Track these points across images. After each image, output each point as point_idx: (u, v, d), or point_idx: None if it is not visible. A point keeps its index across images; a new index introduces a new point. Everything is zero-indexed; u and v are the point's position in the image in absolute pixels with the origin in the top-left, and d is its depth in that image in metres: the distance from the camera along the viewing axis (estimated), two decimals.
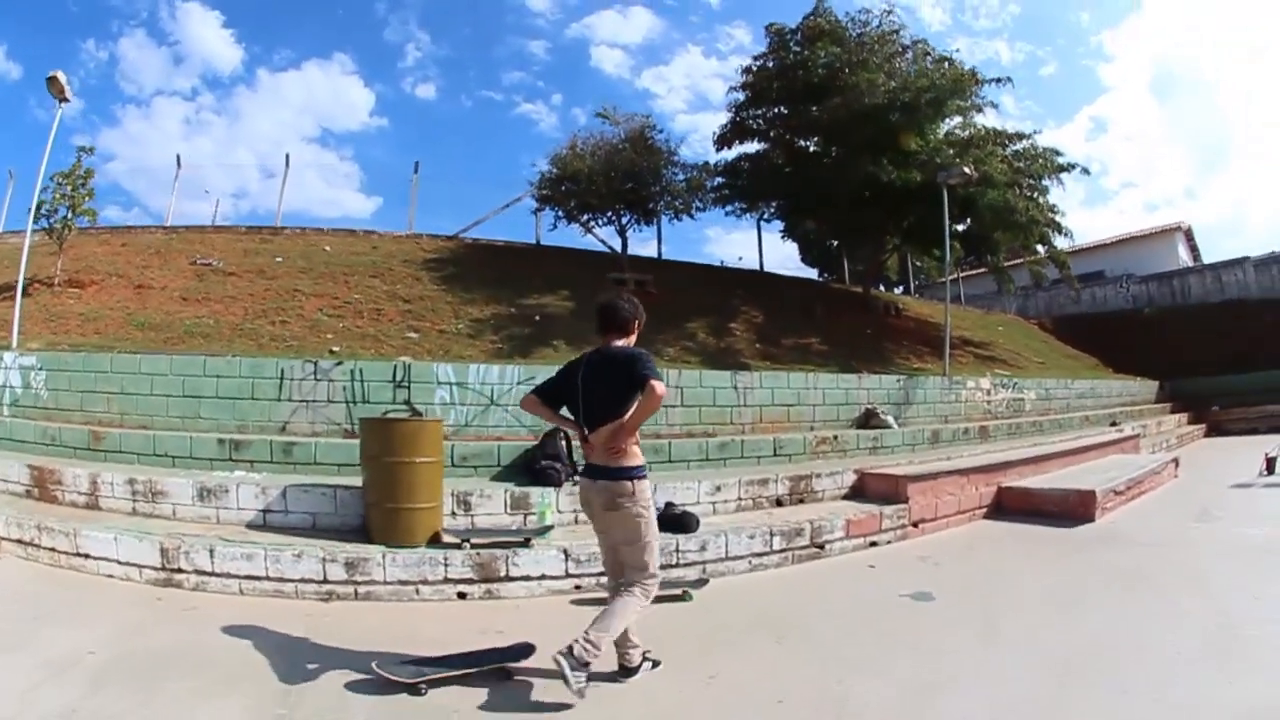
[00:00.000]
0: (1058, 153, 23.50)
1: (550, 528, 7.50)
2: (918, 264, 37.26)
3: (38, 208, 15.15)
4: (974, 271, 37.67)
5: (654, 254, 25.98)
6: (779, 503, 9.54)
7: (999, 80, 22.77)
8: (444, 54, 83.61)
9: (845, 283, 31.17)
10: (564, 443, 8.94)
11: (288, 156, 26.20)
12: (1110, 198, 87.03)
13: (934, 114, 21.63)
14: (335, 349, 13.22)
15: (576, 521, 7.84)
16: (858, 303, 25.22)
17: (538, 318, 16.85)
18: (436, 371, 10.85)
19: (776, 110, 23.89)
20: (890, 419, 13.85)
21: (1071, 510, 10.34)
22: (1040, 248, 25.07)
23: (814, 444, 11.85)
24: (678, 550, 7.43)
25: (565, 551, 6.89)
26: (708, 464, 10.42)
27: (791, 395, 13.44)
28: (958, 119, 22.87)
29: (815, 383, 13.95)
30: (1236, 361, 26.48)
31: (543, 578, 6.78)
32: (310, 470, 8.66)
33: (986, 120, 23.17)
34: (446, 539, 7.01)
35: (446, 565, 6.60)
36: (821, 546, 8.52)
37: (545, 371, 10.13)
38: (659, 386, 4.44)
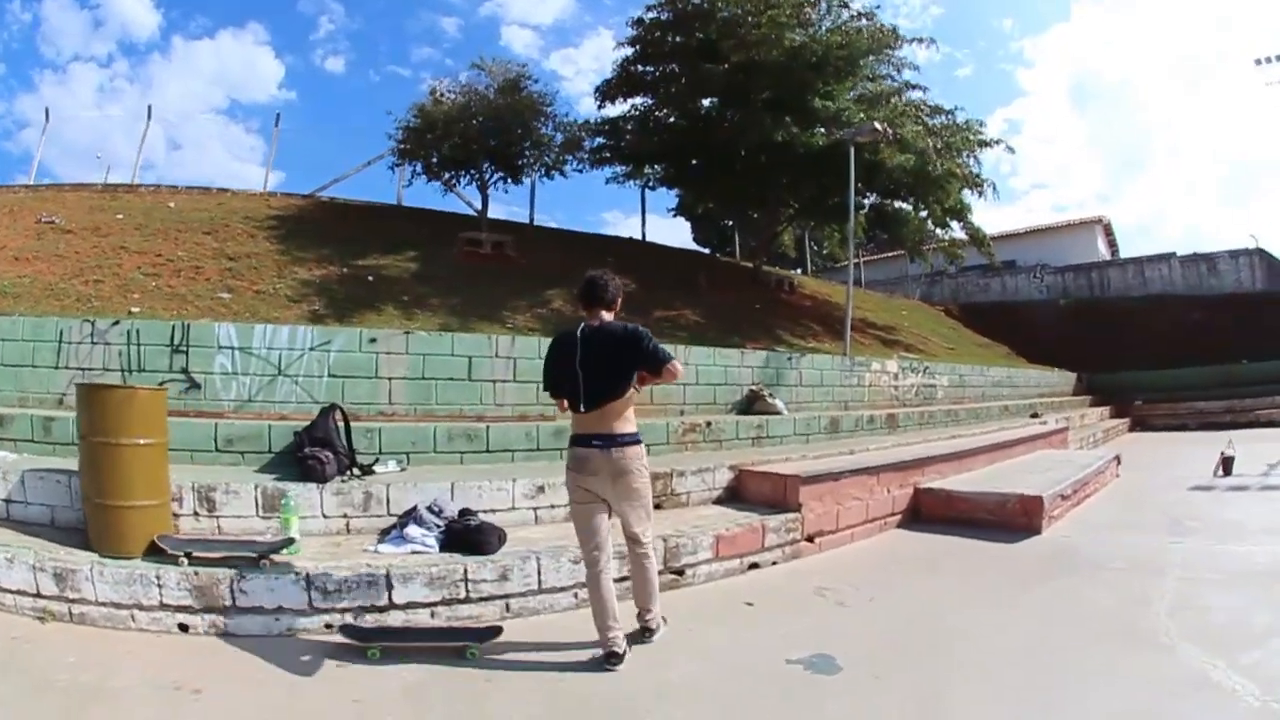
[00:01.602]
0: (982, 123, 21.90)
1: (292, 541, 5.59)
2: (816, 246, 35.58)
3: None
4: (878, 256, 37.41)
5: (524, 217, 24.22)
6: None
7: (921, 40, 21.26)
8: (356, 27, 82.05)
9: (736, 258, 29.85)
10: (339, 423, 7.36)
11: (149, 108, 24.98)
12: (1019, 197, 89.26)
13: (846, 72, 19.82)
14: (135, 310, 11.58)
15: (349, 530, 6.40)
16: (747, 277, 23.40)
17: (370, 278, 15.28)
18: (218, 334, 9.02)
19: (669, 68, 21.51)
20: (779, 403, 11.68)
21: (1010, 519, 8.51)
22: (955, 224, 23.06)
23: (680, 432, 9.73)
24: (466, 580, 5.48)
25: (307, 578, 5.11)
26: (539, 455, 8.40)
27: None
28: (870, 85, 20.92)
29: (687, 356, 11.55)
30: (1157, 357, 26.19)
31: (280, 611, 5.07)
32: (69, 452, 6.80)
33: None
34: (166, 549, 5.28)
35: (161, 587, 5.04)
36: (680, 573, 6.39)
37: (346, 335, 9.31)
38: (678, 368, 4.96)
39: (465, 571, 5.44)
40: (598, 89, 22.30)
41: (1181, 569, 6.88)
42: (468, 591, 5.44)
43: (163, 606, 5.02)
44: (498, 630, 5.06)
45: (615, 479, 4.81)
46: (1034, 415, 17.99)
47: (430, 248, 17.60)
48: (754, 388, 11.93)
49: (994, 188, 21.94)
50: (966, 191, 21.59)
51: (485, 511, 6.51)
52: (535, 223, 23.94)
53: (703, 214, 33.40)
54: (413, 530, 5.93)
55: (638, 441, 4.93)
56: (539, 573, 5.68)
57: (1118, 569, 6.99)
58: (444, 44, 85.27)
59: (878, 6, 21.18)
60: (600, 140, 22.27)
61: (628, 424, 4.91)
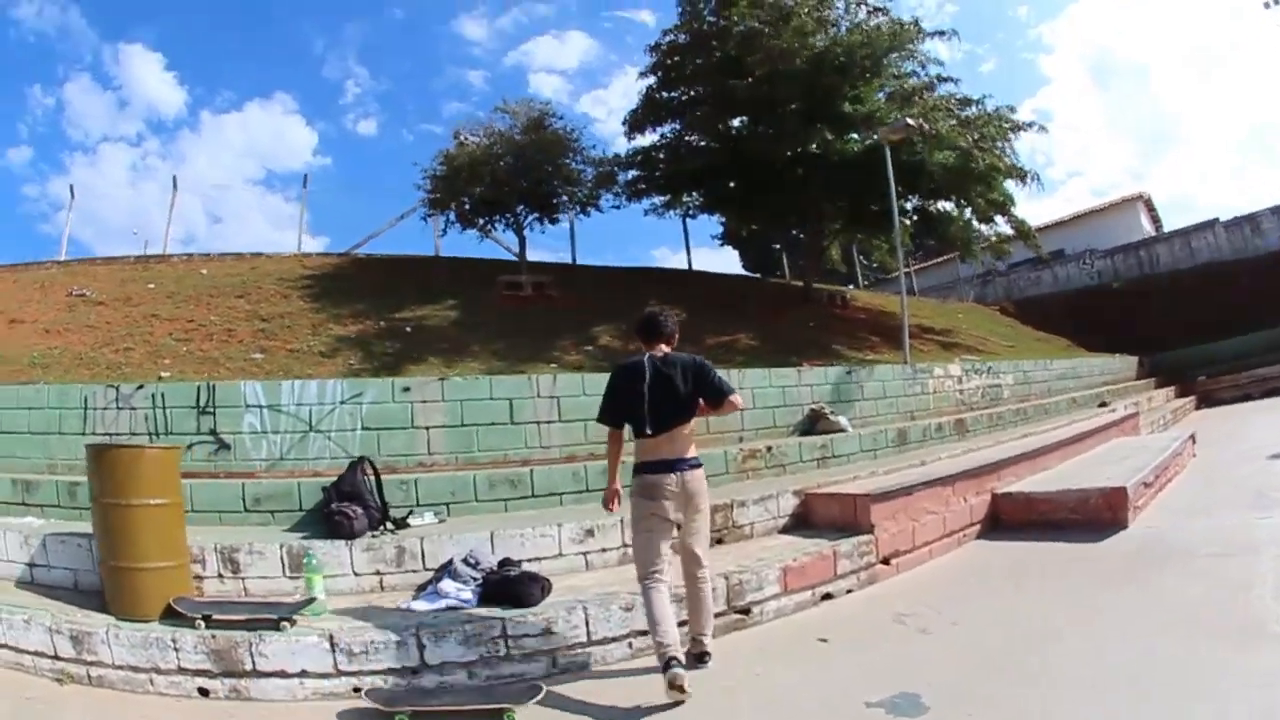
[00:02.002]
0: (1012, 109, 20.96)
1: (312, 601, 5.31)
2: (865, 260, 34.61)
3: None
4: (927, 263, 36.42)
5: (568, 259, 23.92)
6: None
7: (943, 33, 20.40)
8: (383, 89, 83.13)
9: (786, 279, 29.09)
10: (368, 476, 7.02)
11: (175, 179, 25.98)
12: (1058, 186, 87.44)
13: (872, 72, 19.16)
14: (165, 374, 11.42)
15: (382, 587, 6.02)
16: (798, 296, 22.67)
17: (409, 329, 14.99)
18: (245, 392, 8.76)
19: (694, 91, 21.05)
20: (843, 420, 10.99)
21: (1095, 516, 7.81)
22: (1000, 219, 22.07)
23: (739, 459, 9.10)
24: (505, 636, 5.00)
25: (331, 639, 4.76)
26: (588, 496, 7.61)
27: None
28: (898, 83, 20.29)
29: (742, 381, 10.50)
30: (1216, 328, 24.80)
31: (303, 675, 4.73)
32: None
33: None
34: (183, 612, 5.07)
35: (178, 650, 4.81)
36: (745, 611, 5.80)
37: (378, 386, 9.02)
38: (739, 400, 5.30)
39: (504, 627, 4.97)
40: (625, 120, 21.87)
41: (1276, 545, 6.30)
42: (508, 648, 4.95)
43: (180, 670, 4.79)
44: (536, 690, 4.53)
45: (687, 501, 4.89)
46: (1102, 404, 17.11)
47: (469, 295, 17.27)
48: (815, 407, 11.28)
49: (1038, 178, 21.01)
50: (1011, 183, 20.78)
51: (530, 560, 6.07)
52: (578, 263, 23.62)
53: (748, 238, 33.42)
54: (447, 585, 5.45)
55: (701, 465, 5.07)
56: (587, 623, 5.15)
57: (1211, 555, 6.38)
58: (472, 97, 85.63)
59: (891, 1, 20.59)
60: (634, 173, 21.81)
61: (692, 449, 5.03)
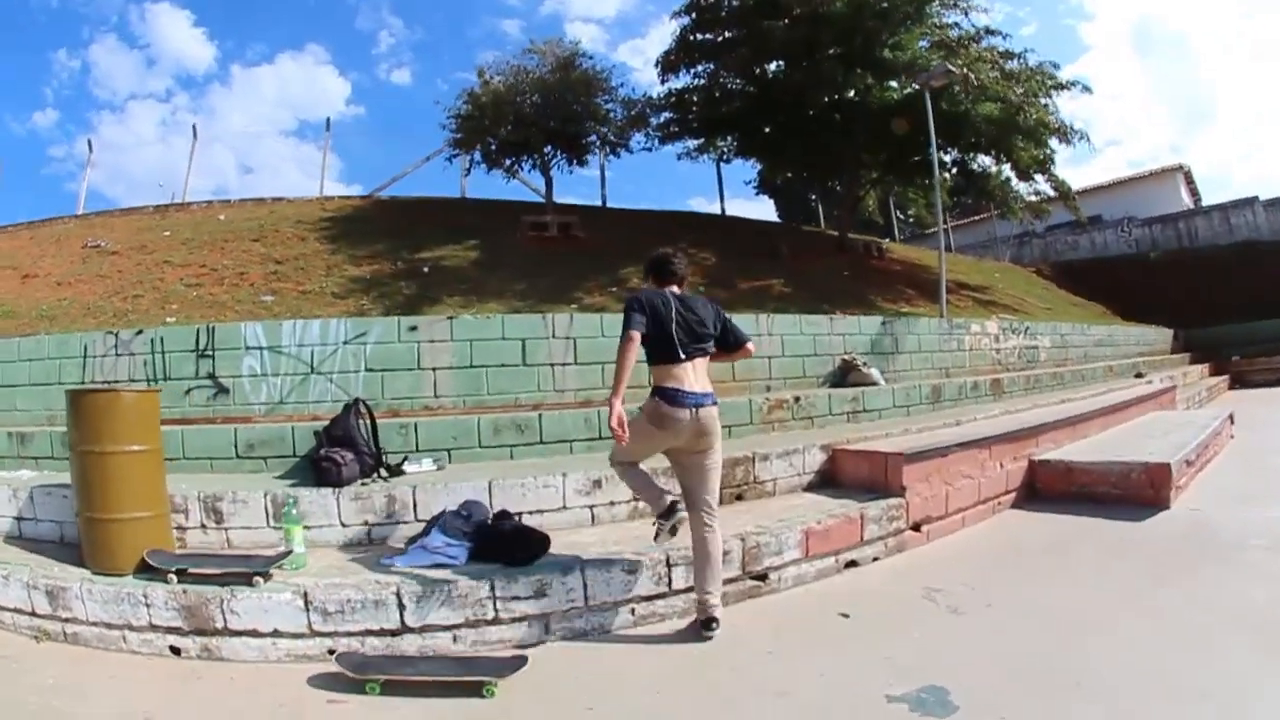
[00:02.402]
0: (1056, 65, 20.11)
1: (287, 554, 4.86)
2: (901, 215, 34.19)
3: None
4: (964, 220, 35.88)
5: (597, 204, 23.28)
6: None
7: None
8: (417, 38, 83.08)
9: (820, 227, 28.61)
10: (362, 420, 6.56)
11: (194, 128, 24.92)
12: (1095, 155, 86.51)
13: (914, 19, 18.51)
14: (171, 320, 11.30)
15: (370, 539, 5.55)
16: (832, 245, 22.10)
17: (426, 269, 14.72)
18: (244, 334, 8.48)
19: (729, 33, 20.32)
20: (875, 373, 10.40)
21: (1136, 492, 7.23)
22: (1040, 178, 21.20)
23: (765, 410, 8.53)
24: (494, 598, 4.54)
25: (305, 597, 4.39)
26: (600, 444, 7.10)
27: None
28: (940, 33, 19.46)
29: (771, 327, 10.41)
30: (1251, 309, 24.10)
31: (276, 634, 4.38)
32: None
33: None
34: (155, 565, 4.73)
35: (149, 606, 4.51)
36: (762, 577, 5.27)
37: (383, 325, 8.57)
38: (753, 348, 5.21)
39: (492, 587, 4.51)
40: (658, 62, 21.18)
41: None
42: (496, 611, 4.52)
43: (152, 627, 4.50)
44: (521, 661, 4.11)
45: (699, 437, 4.60)
46: (1138, 375, 16.44)
47: (492, 235, 16.91)
48: (847, 357, 10.68)
49: (1085, 137, 20.20)
50: (1055, 142, 19.97)
51: (531, 513, 5.68)
52: (608, 206, 23.10)
53: (783, 187, 33.01)
54: (435, 539, 4.99)
55: (718, 404, 4.74)
56: (585, 586, 4.67)
57: (1262, 548, 5.77)
58: (507, 46, 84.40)
59: None
60: (667, 115, 21.27)
61: (710, 387, 4.71)
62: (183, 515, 5.50)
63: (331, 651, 4.26)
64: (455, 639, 4.43)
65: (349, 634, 4.35)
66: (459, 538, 4.98)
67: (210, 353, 8.33)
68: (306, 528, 5.30)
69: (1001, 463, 7.56)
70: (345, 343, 8.35)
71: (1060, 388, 13.51)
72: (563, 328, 8.75)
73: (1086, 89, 20.47)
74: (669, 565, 4.83)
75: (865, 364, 10.48)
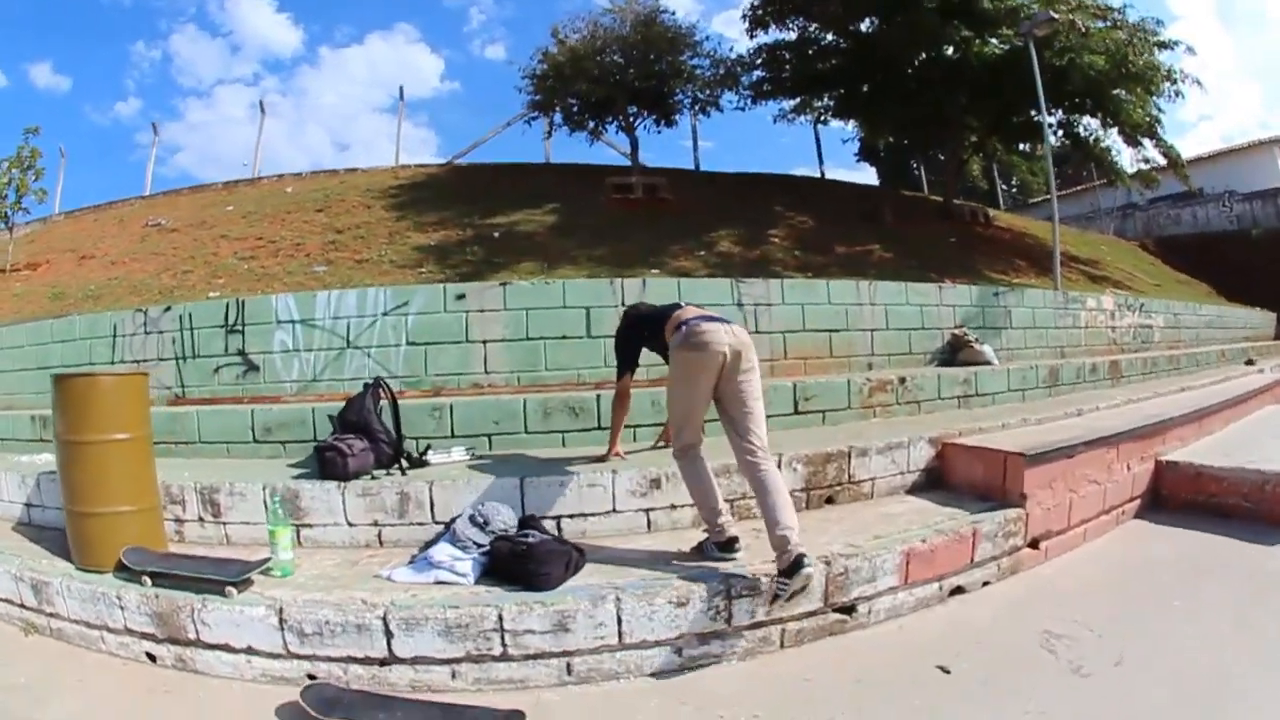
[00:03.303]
0: (1159, 22, 18.60)
1: (265, 562, 4.21)
2: (1005, 186, 33.08)
3: None
4: (1066, 191, 33.78)
5: (690, 167, 22.42)
6: None
7: None
8: (508, 14, 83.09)
9: (924, 194, 27.31)
10: (385, 401, 5.69)
11: (261, 103, 25.55)
12: (1187, 130, 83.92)
13: None
14: (214, 294, 10.99)
15: (380, 542, 4.78)
16: (936, 211, 20.86)
17: (497, 235, 14.04)
18: (275, 307, 7.90)
19: None
20: (987, 350, 9.18)
21: (1270, 508, 5.97)
22: (1147, 142, 19.84)
23: (866, 392, 7.30)
24: (502, 630, 3.68)
25: (280, 614, 3.76)
26: None
27: (834, 315, 8.88)
28: None
29: (873, 295, 9.20)
30: None
31: (250, 652, 3.79)
32: None
33: None
34: (130, 564, 4.25)
35: (123, 609, 4.07)
36: (848, 610, 4.20)
37: (428, 293, 7.76)
38: None
39: (500, 617, 3.65)
40: (744, 14, 20.10)
41: None
42: (504, 646, 3.65)
43: (128, 631, 4.07)
44: (517, 716, 3.31)
45: (738, 357, 4.12)
46: (1248, 362, 14.73)
47: (572, 199, 16.23)
48: (958, 332, 9.51)
49: (1198, 82, 18.86)
50: (1160, 103, 18.76)
51: (571, 516, 4.79)
52: (701, 169, 22.26)
53: (885, 154, 32.05)
54: (441, 551, 4.15)
55: None
56: (619, 621, 3.72)
57: None
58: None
59: None
60: (759, 74, 20.37)
61: None
62: (180, 507, 4.99)
63: (312, 677, 3.65)
64: (454, 675, 3.63)
65: (330, 659, 3.68)
66: (469, 550, 4.16)
67: (240, 328, 7.83)
68: (308, 526, 4.76)
69: (1129, 464, 6.34)
70: (384, 314, 7.61)
71: (1176, 373, 12.07)
72: (633, 294, 7.70)
73: (1190, 49, 19.11)
74: (729, 598, 3.84)
75: (977, 340, 9.29)
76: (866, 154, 33.55)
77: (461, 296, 7.60)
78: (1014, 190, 35.91)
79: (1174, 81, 18.37)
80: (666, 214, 15.83)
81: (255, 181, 20.29)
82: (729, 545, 4.17)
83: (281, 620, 3.72)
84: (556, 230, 14.35)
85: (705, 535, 4.30)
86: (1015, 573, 5.00)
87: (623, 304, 7.58)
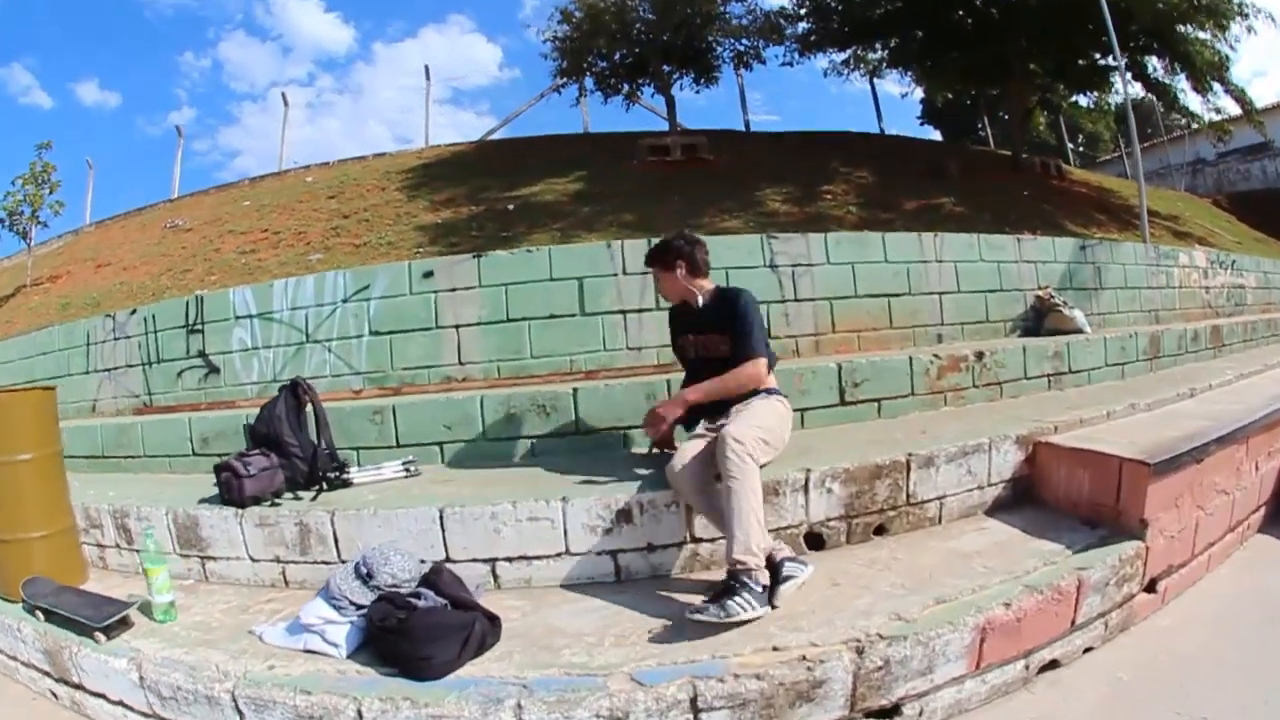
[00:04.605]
0: None
1: (127, 608, 3.50)
2: (1073, 144, 31.84)
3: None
4: (1139, 147, 32.04)
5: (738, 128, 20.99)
6: (812, 540, 3.81)
7: None
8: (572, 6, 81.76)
9: (990, 145, 25.99)
10: (308, 406, 4.69)
11: (284, 95, 25.39)
12: (1244, 85, 75.85)
13: None
14: (201, 293, 10.25)
15: (286, 581, 3.90)
16: (1005, 164, 19.24)
17: (511, 207, 13.12)
18: (234, 301, 7.10)
19: None
20: (1079, 315, 7.56)
21: None
22: (1217, 87, 18.26)
23: (934, 372, 5.63)
24: None
25: (140, 670, 3.07)
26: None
27: (893, 277, 7.26)
28: None
29: (939, 250, 7.55)
30: None
31: (124, 707, 3.15)
32: (75, 466, 5.34)
33: None
34: (25, 596, 3.75)
35: (23, 642, 3.64)
36: (889, 715, 2.80)
37: (391, 273, 6.61)
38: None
39: (359, 714, 2.65)
40: None
41: None
42: None
43: (30, 665, 3.67)
44: None
45: None
46: None
47: (602, 165, 15.22)
48: (1042, 294, 7.87)
49: (1271, 17, 17.21)
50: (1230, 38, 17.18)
51: (512, 560, 3.61)
52: (751, 130, 20.89)
53: (947, 114, 30.90)
54: (312, 611, 3.14)
55: None
56: None
57: None
58: None
59: None
60: (806, 26, 19.10)
61: None
62: (100, 531, 4.51)
63: None
64: None
65: None
66: (347, 611, 3.09)
67: (200, 327, 7.17)
68: (211, 559, 4.10)
69: (1256, 464, 4.80)
70: (344, 301, 6.55)
71: (1275, 339, 10.51)
72: (637, 259, 6.23)
73: (1271, 17, 17.43)
74: (695, 709, 2.54)
75: (1066, 303, 7.68)
76: (929, 115, 32.40)
77: (429, 274, 6.34)
78: (1080, 147, 34.18)
79: (1245, 15, 16.89)
80: (707, 175, 14.67)
81: (281, 175, 19.74)
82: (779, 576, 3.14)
83: (141, 678, 3.08)
84: (581, 198, 13.33)
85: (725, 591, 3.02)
86: (1126, 628, 3.56)
87: (623, 271, 6.24)
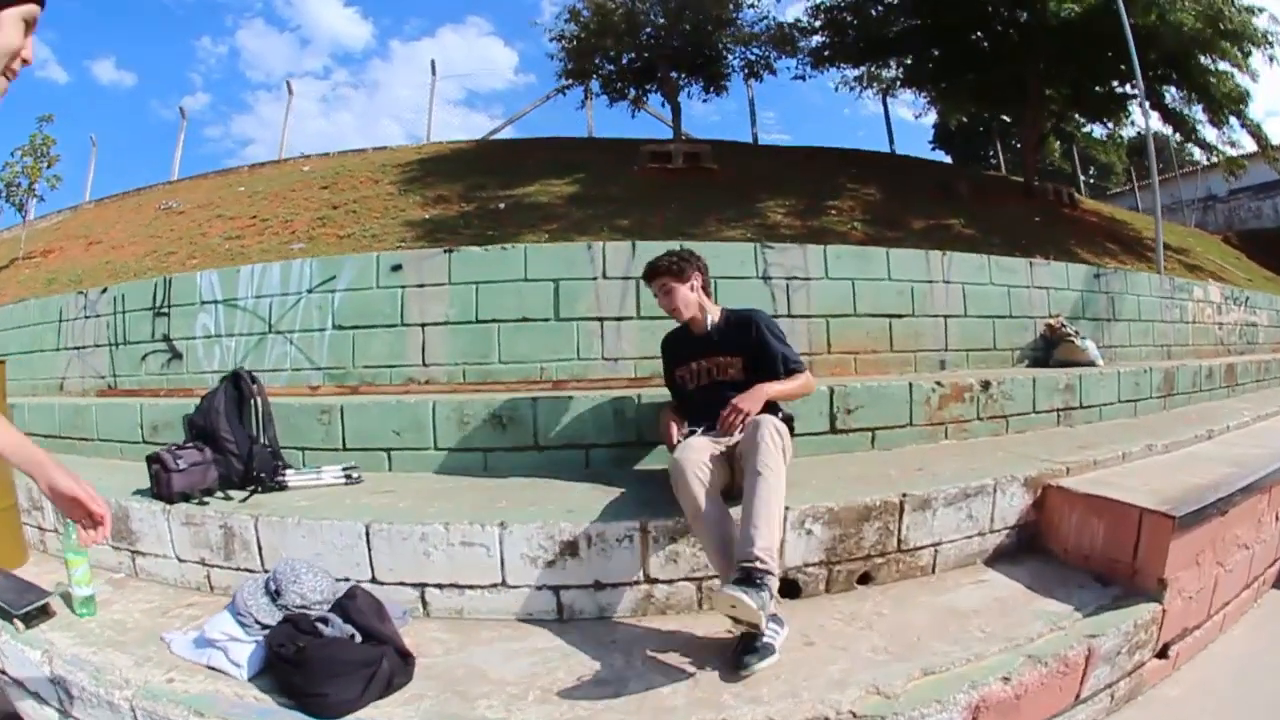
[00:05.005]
0: (1253, 10, 16.65)
1: (47, 597, 3.31)
2: (1084, 176, 31.56)
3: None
4: (1147, 181, 32.22)
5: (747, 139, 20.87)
6: (787, 588, 3.29)
7: None
8: (578, 4, 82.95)
9: (1001, 171, 25.56)
10: (255, 400, 4.42)
11: (289, 83, 24.31)
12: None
13: None
14: (171, 275, 10.34)
15: (210, 585, 3.57)
16: (1017, 190, 18.92)
17: (502, 206, 12.87)
18: (200, 285, 6.79)
19: None
20: (1091, 347, 7.10)
21: None
22: (1234, 121, 18.03)
23: (936, 401, 5.14)
24: None
25: (50, 667, 2.89)
26: (642, 456, 4.54)
27: (897, 296, 6.72)
28: None
29: (947, 270, 7.03)
30: None
31: (40, 700, 2.92)
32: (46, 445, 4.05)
33: None
34: None
35: None
36: None
37: (358, 264, 6.21)
38: None
39: None
40: None
41: None
42: None
43: None
44: None
45: None
46: None
47: (602, 169, 14.89)
48: (1054, 322, 7.41)
49: None
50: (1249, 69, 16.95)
51: (443, 587, 3.18)
52: (760, 143, 20.60)
53: (959, 138, 30.83)
54: (218, 625, 2.86)
55: None
56: None
57: None
58: None
59: None
60: (820, 39, 18.84)
61: None
62: (41, 514, 4.32)
63: None
64: None
65: None
66: (252, 630, 2.79)
67: (166, 310, 6.91)
68: (140, 554, 3.82)
69: (1277, 514, 4.36)
70: (309, 291, 6.16)
71: None
72: (619, 262, 5.86)
73: (1275, 18, 17.07)
74: None
75: (1078, 333, 7.24)
76: (941, 140, 32.29)
77: (397, 267, 5.91)
78: (1092, 179, 34.06)
79: (1270, 44, 16.61)
80: (709, 185, 14.30)
81: (280, 163, 19.53)
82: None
83: (52, 673, 2.89)
84: (576, 201, 12.95)
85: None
86: (1132, 699, 3.12)
87: (603, 275, 5.80)
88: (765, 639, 2.58)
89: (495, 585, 3.11)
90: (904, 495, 3.50)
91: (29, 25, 1.40)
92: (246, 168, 19.63)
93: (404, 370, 5.75)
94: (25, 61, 1.42)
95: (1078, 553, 3.65)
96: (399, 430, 4.39)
